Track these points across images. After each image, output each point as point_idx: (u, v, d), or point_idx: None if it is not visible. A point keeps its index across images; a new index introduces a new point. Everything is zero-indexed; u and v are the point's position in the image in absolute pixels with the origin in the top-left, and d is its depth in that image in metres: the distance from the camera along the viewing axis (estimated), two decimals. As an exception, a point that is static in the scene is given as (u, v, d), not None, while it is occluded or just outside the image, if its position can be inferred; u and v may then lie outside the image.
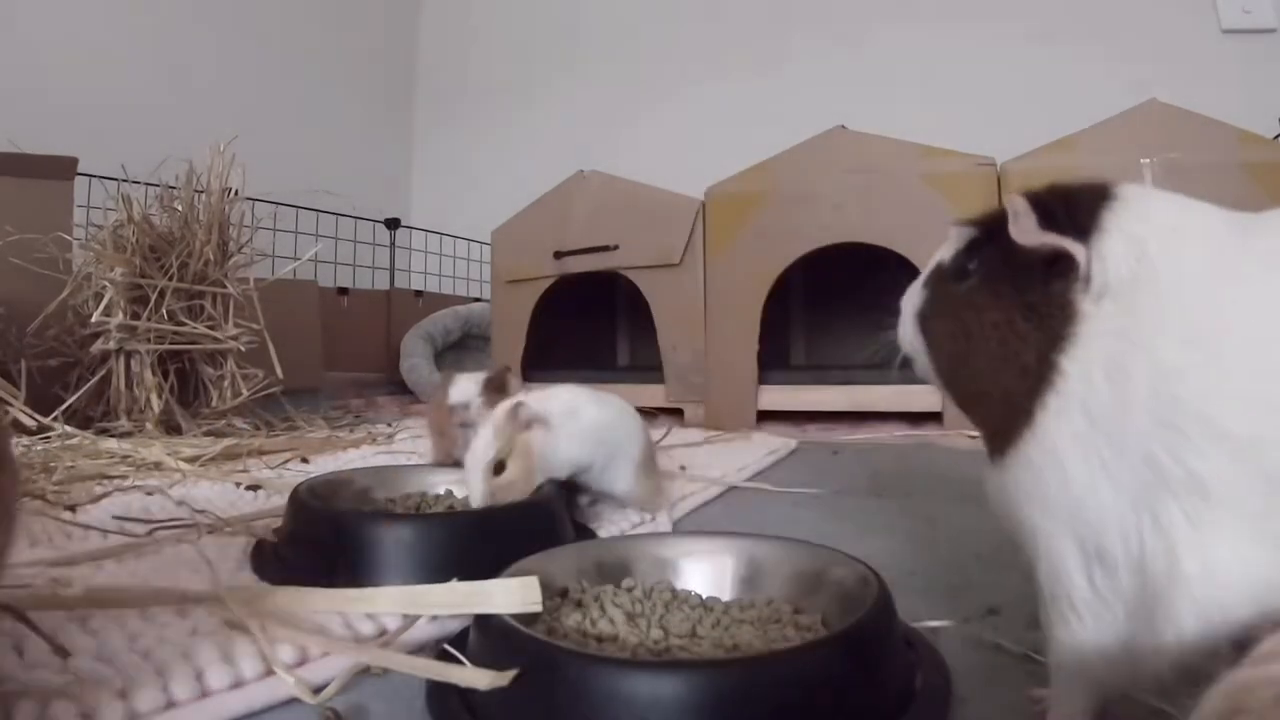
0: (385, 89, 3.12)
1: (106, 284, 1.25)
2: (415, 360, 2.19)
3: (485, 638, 0.37)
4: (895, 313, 0.39)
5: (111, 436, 1.09)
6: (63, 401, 1.16)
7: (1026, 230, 0.29)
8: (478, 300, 2.65)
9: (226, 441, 1.11)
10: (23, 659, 0.40)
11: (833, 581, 0.42)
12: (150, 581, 0.53)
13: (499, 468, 0.59)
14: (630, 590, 0.44)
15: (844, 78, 2.43)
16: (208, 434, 1.20)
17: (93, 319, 1.23)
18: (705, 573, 0.46)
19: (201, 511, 0.75)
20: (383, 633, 0.44)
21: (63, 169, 1.37)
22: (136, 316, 1.26)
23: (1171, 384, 0.25)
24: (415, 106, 3.24)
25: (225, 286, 1.36)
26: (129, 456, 0.98)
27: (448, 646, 0.38)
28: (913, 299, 0.36)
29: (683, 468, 0.97)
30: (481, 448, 0.59)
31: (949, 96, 2.25)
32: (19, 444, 0.99)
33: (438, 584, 0.43)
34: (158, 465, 0.96)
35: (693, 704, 0.30)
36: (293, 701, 0.37)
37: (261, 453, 1.11)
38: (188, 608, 0.46)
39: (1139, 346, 0.25)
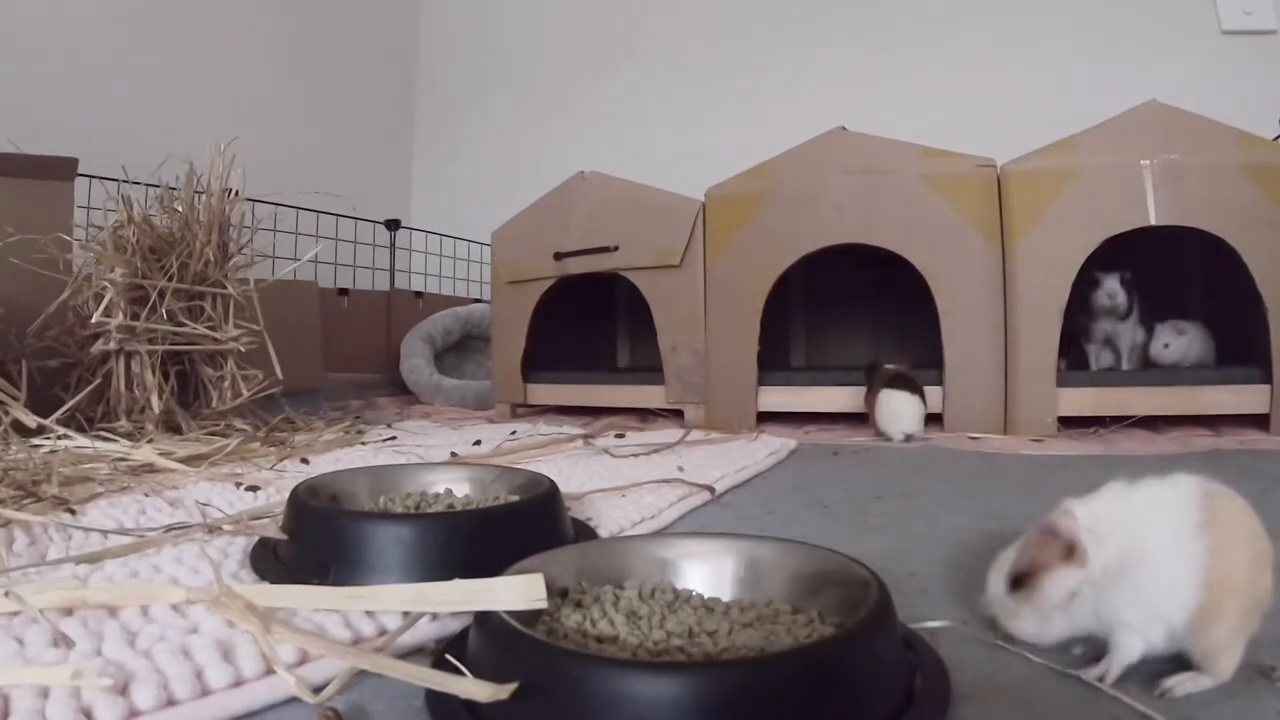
0: (385, 89, 3.12)
1: (106, 285, 1.25)
2: (415, 361, 2.19)
3: (485, 639, 0.37)
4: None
5: (111, 437, 1.09)
6: (63, 402, 1.16)
7: None
8: (478, 301, 2.65)
9: (226, 441, 1.11)
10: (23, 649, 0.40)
11: (832, 582, 0.42)
12: (150, 581, 0.53)
13: (1016, 581, 0.42)
14: (631, 591, 0.44)
15: (844, 78, 2.43)
16: (208, 434, 1.20)
17: (93, 320, 1.23)
18: (705, 574, 0.46)
19: (206, 505, 0.75)
20: (383, 632, 0.44)
21: (63, 170, 1.37)
22: (136, 317, 1.26)
23: None
24: (415, 106, 3.25)
25: (225, 287, 1.36)
26: (128, 457, 0.98)
27: (449, 656, 0.38)
28: None
29: (680, 469, 0.97)
30: (1013, 550, 0.44)
31: (949, 97, 2.26)
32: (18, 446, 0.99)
33: (441, 581, 0.43)
34: (157, 466, 0.96)
35: (693, 705, 0.30)
36: (293, 700, 0.37)
37: (261, 454, 1.11)
38: (188, 607, 0.46)
39: None
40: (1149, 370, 1.46)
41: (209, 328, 1.33)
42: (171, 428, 1.25)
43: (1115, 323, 1.46)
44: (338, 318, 2.16)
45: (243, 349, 1.36)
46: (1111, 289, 1.42)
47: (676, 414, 1.60)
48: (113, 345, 1.25)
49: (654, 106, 2.75)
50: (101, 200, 1.42)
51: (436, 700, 0.36)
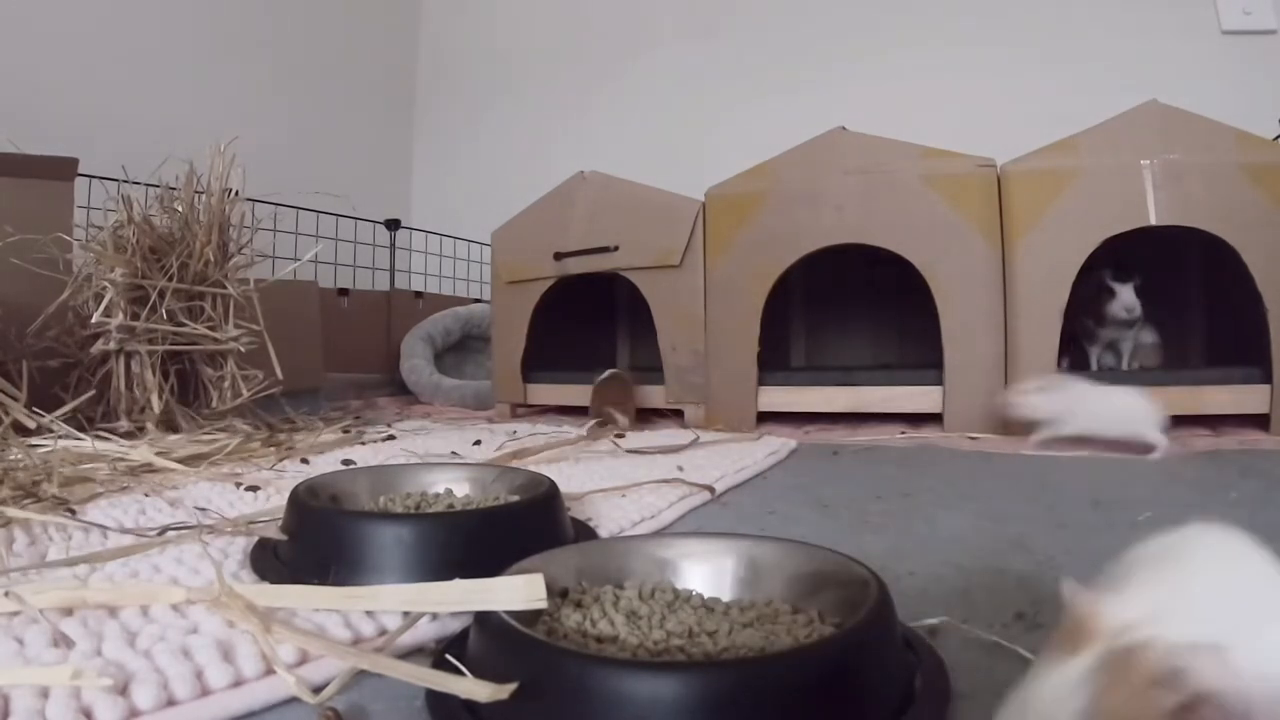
0: (385, 89, 3.12)
1: (106, 285, 1.25)
2: (415, 361, 2.19)
3: (485, 639, 0.37)
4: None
5: (110, 437, 1.09)
6: (63, 402, 1.16)
7: None
8: (478, 301, 2.65)
9: (226, 441, 1.11)
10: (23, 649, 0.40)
11: (832, 582, 0.42)
12: (150, 581, 0.53)
13: None
14: (631, 591, 0.44)
15: (844, 78, 2.43)
16: (207, 434, 1.20)
17: (93, 320, 1.23)
18: (705, 573, 0.46)
19: (203, 510, 0.75)
20: (383, 632, 0.44)
21: (63, 170, 1.37)
22: (136, 317, 1.26)
23: None
24: (415, 106, 3.24)
25: (225, 287, 1.36)
26: (126, 457, 0.98)
27: (449, 656, 0.38)
28: None
29: (680, 469, 0.97)
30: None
31: (949, 97, 2.26)
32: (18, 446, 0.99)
33: (441, 581, 0.43)
34: (156, 466, 0.96)
35: (693, 705, 0.30)
36: (293, 700, 0.37)
37: (260, 454, 1.11)
38: (188, 607, 0.46)
39: None
40: (1149, 371, 1.46)
41: (209, 328, 1.33)
42: (172, 428, 1.25)
43: (1124, 329, 1.46)
44: (338, 318, 2.16)
45: (243, 349, 1.36)
46: (1129, 302, 1.39)
47: (677, 414, 1.60)
48: (113, 345, 1.25)
49: (654, 106, 2.75)
50: (101, 200, 1.42)
51: (436, 700, 0.36)
